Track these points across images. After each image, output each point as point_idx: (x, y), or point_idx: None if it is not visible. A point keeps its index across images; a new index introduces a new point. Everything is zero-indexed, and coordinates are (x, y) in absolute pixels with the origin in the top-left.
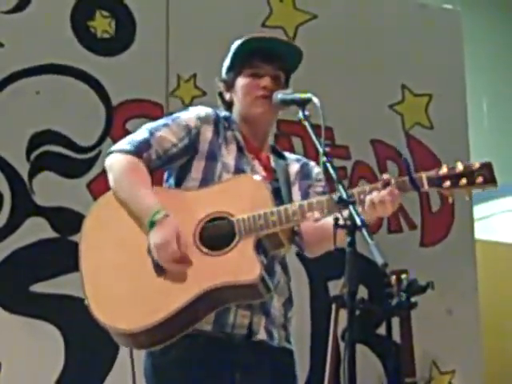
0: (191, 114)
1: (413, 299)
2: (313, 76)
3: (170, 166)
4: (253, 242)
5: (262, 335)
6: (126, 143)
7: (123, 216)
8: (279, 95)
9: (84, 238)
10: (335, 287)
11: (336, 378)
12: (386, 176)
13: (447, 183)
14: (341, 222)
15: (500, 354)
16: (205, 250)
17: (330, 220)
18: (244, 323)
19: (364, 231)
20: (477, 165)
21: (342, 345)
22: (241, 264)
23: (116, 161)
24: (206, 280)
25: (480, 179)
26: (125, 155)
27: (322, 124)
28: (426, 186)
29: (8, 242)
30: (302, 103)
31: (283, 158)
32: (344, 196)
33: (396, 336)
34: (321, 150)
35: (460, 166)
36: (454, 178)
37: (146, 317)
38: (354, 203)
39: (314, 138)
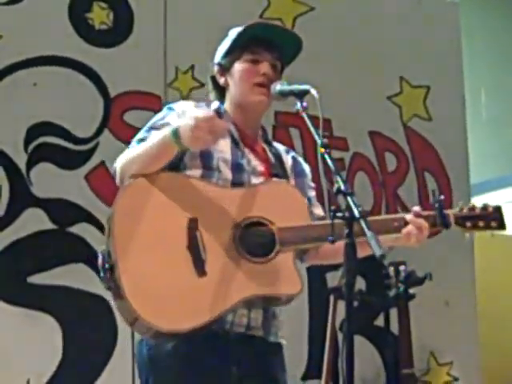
0: (174, 115)
1: (411, 291)
2: (311, 67)
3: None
4: (293, 254)
5: (259, 332)
6: (123, 153)
7: (158, 205)
8: (278, 86)
9: (116, 226)
10: (333, 279)
11: (334, 369)
12: (417, 208)
13: (469, 224)
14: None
15: (497, 345)
16: (246, 255)
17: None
18: (243, 322)
19: (362, 223)
20: (490, 209)
21: (340, 336)
22: (284, 277)
23: (124, 155)
24: (250, 287)
25: (494, 224)
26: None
27: (320, 115)
28: (453, 225)
29: (6, 233)
30: (300, 95)
31: (273, 147)
32: (342, 187)
33: (394, 327)
34: (319, 141)
35: (478, 208)
36: (474, 219)
37: (190, 319)
38: (351, 194)
39: (312, 129)
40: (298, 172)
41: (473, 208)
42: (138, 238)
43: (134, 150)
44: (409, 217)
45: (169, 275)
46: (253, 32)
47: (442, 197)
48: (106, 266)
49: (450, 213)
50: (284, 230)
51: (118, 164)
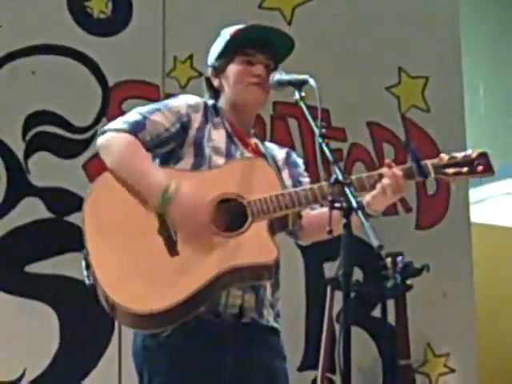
0: (181, 101)
1: (408, 282)
2: (309, 57)
3: (158, 150)
4: (266, 223)
5: (252, 314)
6: (119, 123)
7: (124, 196)
8: (276, 76)
9: (86, 223)
10: (330, 269)
11: (331, 360)
12: (387, 160)
13: (450, 171)
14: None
15: (494, 336)
16: (218, 231)
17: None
18: (236, 303)
19: (360, 213)
20: (474, 154)
21: (337, 327)
22: (257, 246)
23: (112, 139)
24: (223, 261)
25: (480, 168)
26: (121, 133)
27: (319, 106)
28: (432, 174)
29: (3, 222)
30: (299, 84)
31: (265, 145)
32: (340, 177)
33: (391, 318)
34: (317, 131)
35: (460, 155)
36: (456, 166)
37: (164, 298)
38: (349, 184)
39: (310, 119)
40: (291, 163)
41: (454, 156)
42: (109, 229)
43: (130, 150)
44: (382, 169)
45: (141, 259)
46: (245, 34)
47: (411, 145)
48: (86, 263)
49: (428, 162)
50: (254, 202)
51: (107, 141)
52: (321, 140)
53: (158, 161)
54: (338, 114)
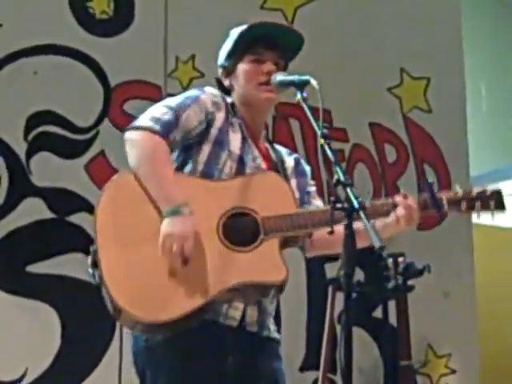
0: (208, 96)
1: (409, 282)
2: (311, 58)
3: (183, 143)
4: (278, 242)
5: (254, 328)
6: (153, 122)
7: (142, 199)
8: (278, 77)
9: (99, 221)
10: (332, 270)
11: (332, 361)
12: (403, 192)
13: (464, 205)
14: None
15: (495, 337)
16: (229, 244)
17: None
18: (236, 316)
19: (361, 214)
20: (489, 192)
21: (338, 328)
22: (267, 264)
23: (142, 139)
24: (232, 276)
25: (492, 204)
26: (152, 135)
27: (321, 106)
28: (446, 207)
29: (5, 222)
30: (301, 85)
31: (275, 149)
32: (342, 178)
33: (392, 319)
34: (319, 132)
35: (474, 192)
36: (470, 201)
37: (171, 309)
38: (351, 185)
39: (312, 120)
40: (300, 172)
41: (469, 191)
42: (121, 229)
43: (156, 155)
44: (397, 198)
45: (150, 266)
46: (254, 32)
47: (427, 179)
48: (93, 261)
49: (443, 195)
50: (268, 219)
51: (136, 138)
52: (323, 141)
53: (177, 151)
54: (339, 115)
